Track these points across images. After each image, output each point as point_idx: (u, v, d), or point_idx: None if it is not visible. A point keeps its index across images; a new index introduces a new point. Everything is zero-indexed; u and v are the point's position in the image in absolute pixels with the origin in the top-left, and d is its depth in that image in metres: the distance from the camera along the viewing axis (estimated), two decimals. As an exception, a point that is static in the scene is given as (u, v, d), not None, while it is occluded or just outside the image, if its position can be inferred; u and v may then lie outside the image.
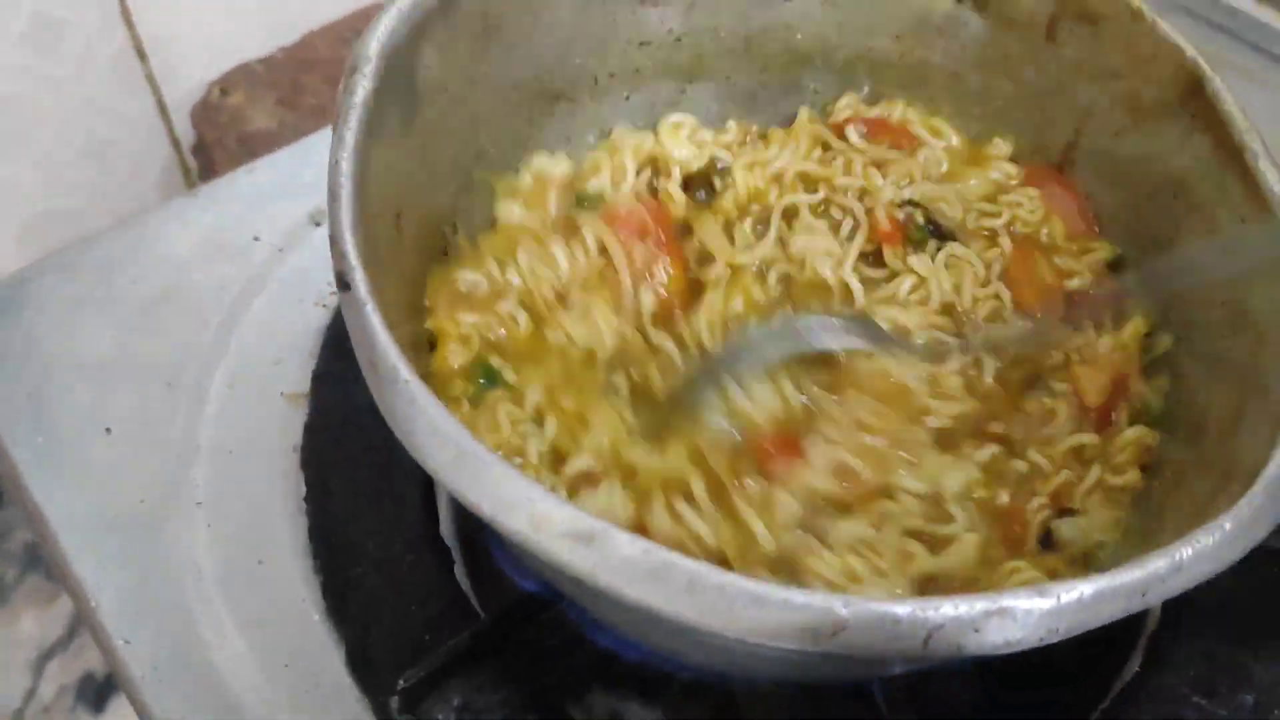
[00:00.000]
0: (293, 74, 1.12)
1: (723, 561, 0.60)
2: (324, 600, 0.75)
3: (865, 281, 0.75)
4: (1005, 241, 0.76)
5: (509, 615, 0.70)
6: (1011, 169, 0.79)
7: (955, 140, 0.81)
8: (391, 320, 0.54)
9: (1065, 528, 0.67)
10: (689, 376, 0.69)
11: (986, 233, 0.77)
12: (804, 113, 0.81)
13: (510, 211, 0.75)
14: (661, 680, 0.73)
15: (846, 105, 0.82)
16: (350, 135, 0.56)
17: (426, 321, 0.68)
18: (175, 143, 1.20)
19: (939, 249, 0.76)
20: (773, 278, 0.74)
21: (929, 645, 0.47)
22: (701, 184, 0.80)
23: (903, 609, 0.47)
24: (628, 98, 0.80)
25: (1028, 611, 0.48)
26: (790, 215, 0.77)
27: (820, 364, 0.69)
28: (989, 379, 0.71)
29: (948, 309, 0.74)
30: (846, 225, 0.77)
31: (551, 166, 0.77)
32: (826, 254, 0.75)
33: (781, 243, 0.76)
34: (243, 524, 0.78)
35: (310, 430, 0.81)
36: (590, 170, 0.78)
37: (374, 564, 0.75)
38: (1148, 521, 0.65)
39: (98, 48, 1.10)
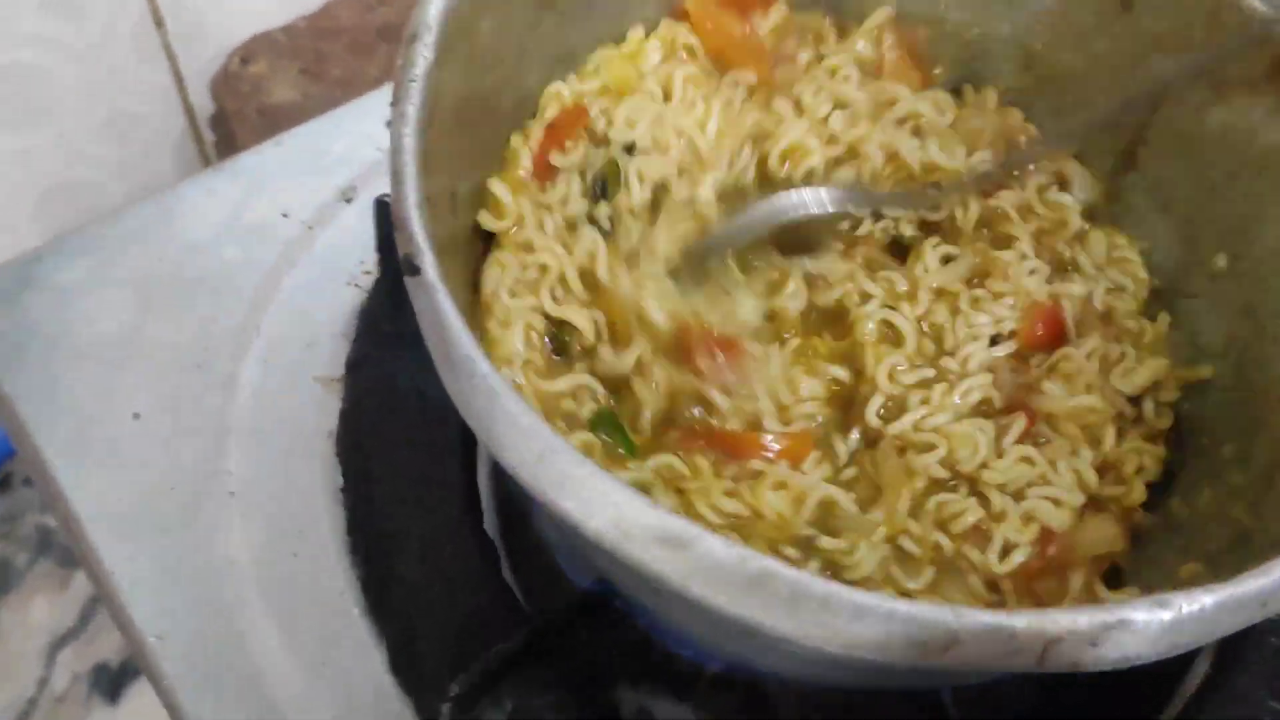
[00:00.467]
0: (315, 43, 1.09)
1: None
2: (364, 596, 0.72)
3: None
4: None
5: (565, 614, 0.67)
6: None
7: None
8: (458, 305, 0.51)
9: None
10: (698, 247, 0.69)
11: None
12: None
13: None
14: (693, 674, 0.70)
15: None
16: (413, 111, 0.53)
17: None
18: (190, 114, 1.16)
19: None
20: None
21: (1044, 660, 0.44)
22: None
23: (1020, 621, 0.44)
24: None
25: (1147, 623, 0.45)
26: None
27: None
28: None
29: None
30: None
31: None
32: None
33: None
34: (277, 514, 0.75)
35: (346, 416, 0.78)
36: None
37: (416, 557, 0.72)
38: (1242, 512, 0.62)
39: (118, 16, 1.06)
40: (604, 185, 0.68)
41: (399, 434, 0.76)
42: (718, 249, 0.70)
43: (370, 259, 0.84)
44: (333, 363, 0.81)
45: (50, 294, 0.82)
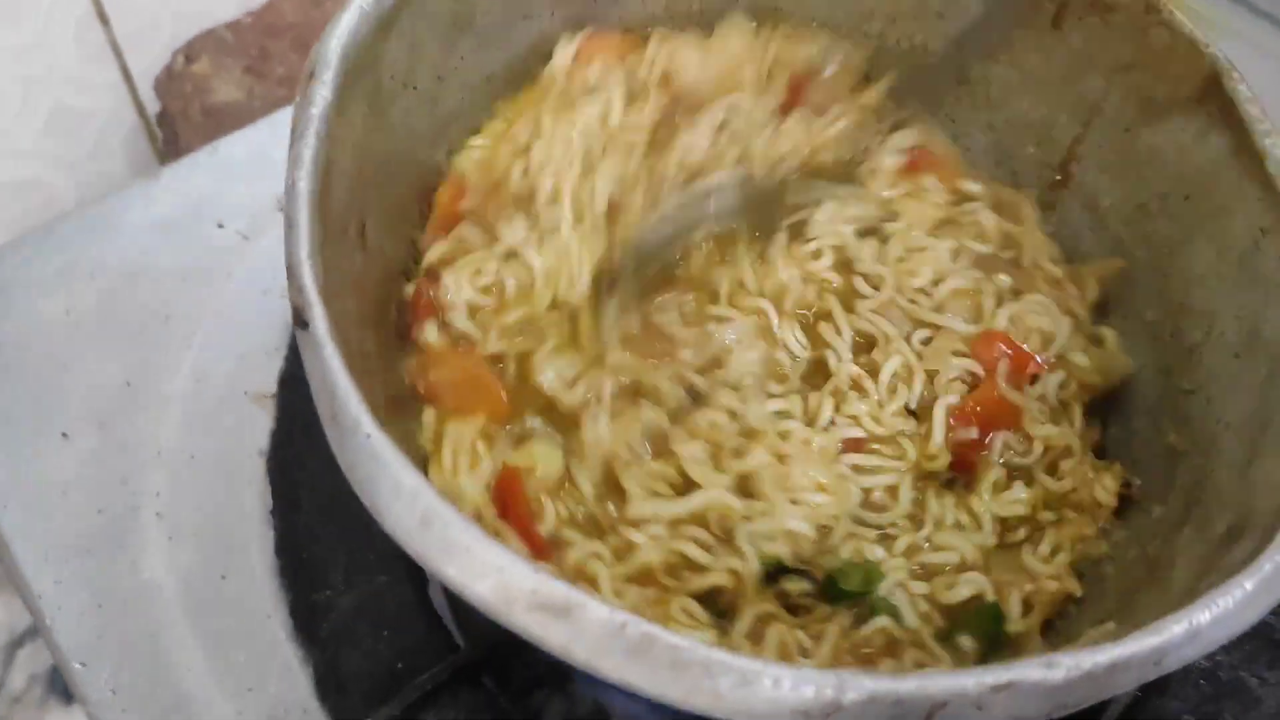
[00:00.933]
0: (260, 40, 1.07)
1: None
2: (291, 619, 0.72)
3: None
4: None
5: (493, 644, 0.66)
6: None
7: None
8: (353, 351, 0.51)
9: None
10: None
11: None
12: None
13: None
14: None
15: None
16: (308, 153, 0.52)
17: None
18: (142, 111, 1.15)
19: None
20: None
21: (930, 725, 0.44)
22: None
23: (904, 687, 0.43)
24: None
25: (1036, 685, 0.44)
26: None
27: None
28: None
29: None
30: None
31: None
32: None
33: None
34: (206, 536, 0.74)
35: (277, 437, 0.77)
36: None
37: (345, 582, 0.72)
38: (1155, 549, 0.62)
39: (59, 14, 1.05)
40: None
41: (331, 456, 0.74)
42: (648, 255, 0.69)
43: (305, 272, 0.83)
44: (266, 378, 0.80)
45: (-21, 309, 0.81)
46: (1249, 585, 0.48)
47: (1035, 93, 0.74)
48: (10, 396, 0.78)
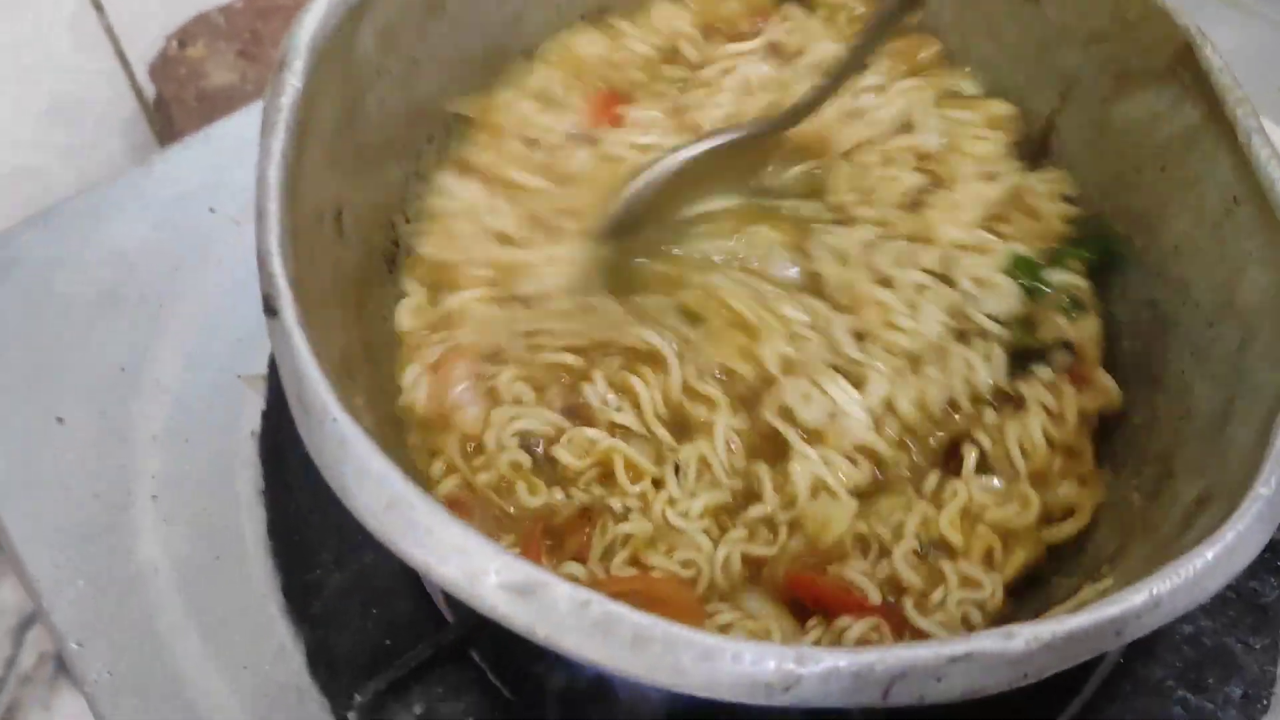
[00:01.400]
0: (252, 22, 1.08)
1: None
2: (284, 599, 0.73)
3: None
4: None
5: (479, 622, 0.67)
6: None
7: None
8: (328, 337, 0.51)
9: None
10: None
11: None
12: None
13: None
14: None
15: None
16: (277, 145, 0.52)
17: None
18: (140, 96, 1.16)
19: None
20: None
21: (890, 696, 0.44)
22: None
23: (862, 659, 0.44)
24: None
25: (995, 656, 0.45)
26: None
27: None
28: None
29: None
30: None
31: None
32: None
33: None
34: (200, 517, 0.76)
35: (269, 417, 0.78)
36: None
37: (336, 561, 0.73)
38: (1135, 514, 0.62)
39: (54, 2, 1.06)
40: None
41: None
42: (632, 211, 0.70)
43: (296, 255, 0.84)
44: (258, 360, 0.81)
45: (-26, 297, 0.82)
46: (1210, 555, 0.48)
47: (1012, 66, 0.74)
48: (6, 381, 0.79)
